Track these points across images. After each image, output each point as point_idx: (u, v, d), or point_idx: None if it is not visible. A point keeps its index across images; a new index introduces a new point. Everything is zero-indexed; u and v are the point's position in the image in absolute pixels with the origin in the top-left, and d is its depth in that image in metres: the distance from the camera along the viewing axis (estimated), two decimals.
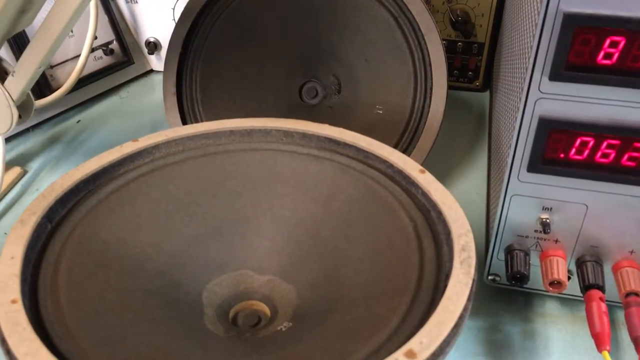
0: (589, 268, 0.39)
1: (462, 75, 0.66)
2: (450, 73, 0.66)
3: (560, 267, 0.39)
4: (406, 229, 0.32)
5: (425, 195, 0.33)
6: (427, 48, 0.48)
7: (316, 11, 0.51)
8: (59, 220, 0.32)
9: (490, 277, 0.43)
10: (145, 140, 0.37)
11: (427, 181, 0.34)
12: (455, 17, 0.62)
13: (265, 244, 0.35)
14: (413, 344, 0.25)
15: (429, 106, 0.49)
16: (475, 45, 0.64)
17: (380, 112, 0.51)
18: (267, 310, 0.34)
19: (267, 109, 0.54)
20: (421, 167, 0.35)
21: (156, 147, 0.37)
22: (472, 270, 0.28)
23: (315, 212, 0.35)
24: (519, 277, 0.39)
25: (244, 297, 0.34)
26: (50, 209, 0.32)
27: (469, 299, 0.27)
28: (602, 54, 0.32)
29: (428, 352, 0.24)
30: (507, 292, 0.43)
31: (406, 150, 0.50)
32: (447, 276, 0.28)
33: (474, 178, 0.55)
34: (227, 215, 0.36)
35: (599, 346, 0.36)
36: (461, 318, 0.26)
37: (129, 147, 0.37)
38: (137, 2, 0.66)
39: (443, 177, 0.56)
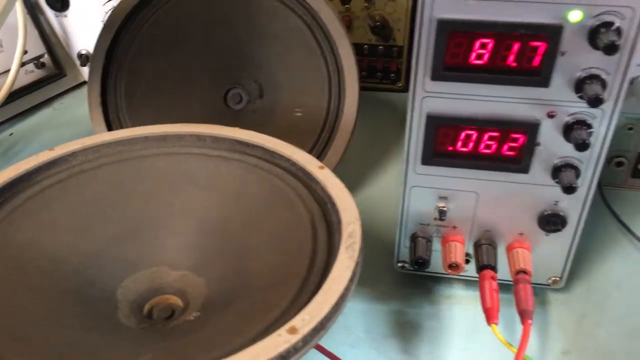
0: (484, 250, 0.43)
1: (385, 77, 0.70)
2: (373, 75, 0.69)
3: (458, 251, 0.43)
4: (304, 221, 0.35)
5: (323, 189, 0.36)
6: (338, 53, 0.51)
7: (236, 20, 0.54)
8: None
9: (399, 264, 0.46)
10: (61, 148, 0.39)
11: (325, 176, 0.37)
12: (374, 22, 0.65)
13: (179, 241, 0.38)
14: (296, 321, 0.27)
15: (343, 107, 0.52)
16: (395, 48, 0.68)
17: (300, 114, 0.54)
18: (180, 303, 0.36)
19: (194, 115, 0.56)
20: (320, 164, 0.38)
21: (72, 154, 0.39)
22: (356, 254, 0.31)
23: (225, 210, 0.38)
24: (421, 262, 0.43)
25: (159, 292, 0.36)
26: None
27: (351, 280, 0.30)
28: (474, 55, 0.36)
29: (309, 328, 0.27)
30: (416, 277, 0.47)
31: (324, 148, 0.53)
32: (334, 260, 0.31)
33: (394, 173, 0.59)
34: (142, 217, 0.38)
35: (489, 320, 0.39)
36: (342, 297, 0.29)
37: (45, 156, 0.38)
38: (66, 15, 0.68)
39: (366, 171, 0.59)
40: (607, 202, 0.51)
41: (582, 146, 0.36)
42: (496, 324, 0.39)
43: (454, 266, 0.42)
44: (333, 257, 0.32)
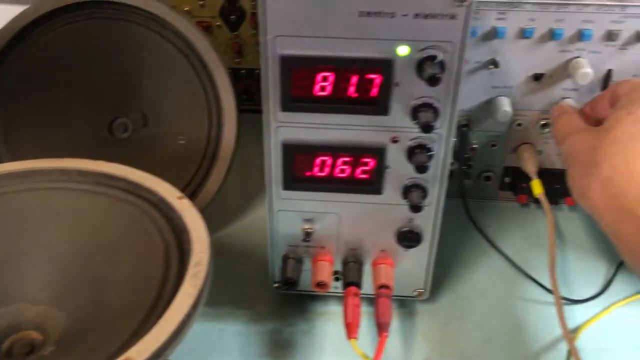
0: (349, 268, 0.45)
1: None
2: (252, 99, 0.70)
3: (325, 270, 0.45)
4: (158, 252, 0.36)
5: (180, 219, 0.37)
6: (216, 83, 0.53)
7: (117, 52, 0.55)
8: None
9: (275, 285, 0.48)
10: None
11: (183, 207, 0.38)
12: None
13: (40, 276, 0.38)
14: (132, 351, 0.29)
15: (223, 134, 0.53)
16: None
17: (183, 142, 0.55)
18: (39, 337, 0.36)
19: (79, 146, 0.57)
20: (180, 194, 0.39)
21: None
22: (200, 282, 0.32)
23: (86, 243, 0.39)
24: (290, 282, 0.45)
25: (19, 327, 0.37)
26: None
27: (193, 307, 0.31)
28: (317, 87, 0.38)
29: (144, 357, 0.28)
30: (293, 296, 0.49)
31: (206, 174, 0.54)
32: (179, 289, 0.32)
33: None
34: (4, 253, 0.39)
35: (349, 334, 0.41)
36: (181, 325, 0.30)
37: None
38: None
39: (250, 195, 0.60)
40: (472, 215, 0.54)
41: (421, 169, 0.39)
42: (356, 338, 0.41)
43: (321, 285, 0.45)
44: (180, 286, 0.33)
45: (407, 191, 0.42)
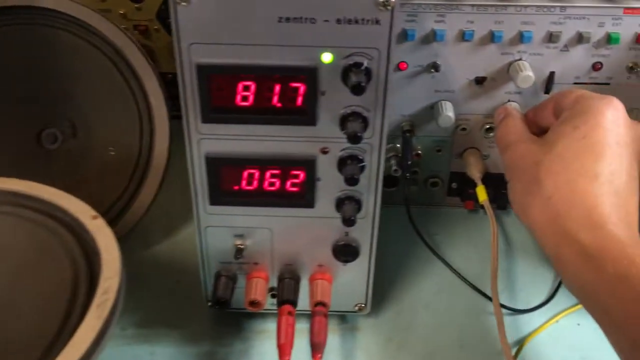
0: (285, 285, 0.43)
1: None
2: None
3: (259, 287, 0.43)
4: (66, 278, 0.33)
5: (92, 240, 0.35)
6: (146, 90, 0.50)
7: (43, 59, 0.52)
8: None
9: (209, 304, 0.45)
10: None
11: (97, 227, 0.36)
12: None
13: None
14: None
15: (155, 144, 0.51)
16: None
17: (113, 153, 0.52)
18: None
19: (3, 159, 0.53)
20: (95, 214, 0.37)
21: None
22: (106, 312, 0.30)
23: None
24: (222, 302, 0.42)
25: None
26: None
27: (95, 342, 0.29)
28: (239, 97, 0.36)
29: None
30: (230, 314, 0.46)
31: (138, 187, 0.51)
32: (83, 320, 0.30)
33: None
34: None
35: (281, 356, 0.39)
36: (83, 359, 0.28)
37: None
38: None
39: (188, 206, 0.57)
40: (415, 224, 0.53)
41: (352, 181, 0.37)
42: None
43: (255, 303, 0.42)
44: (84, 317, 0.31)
45: (340, 204, 0.40)
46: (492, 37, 0.47)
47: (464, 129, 0.53)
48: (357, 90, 0.34)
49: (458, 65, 0.49)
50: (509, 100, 0.51)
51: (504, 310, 0.47)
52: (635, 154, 0.36)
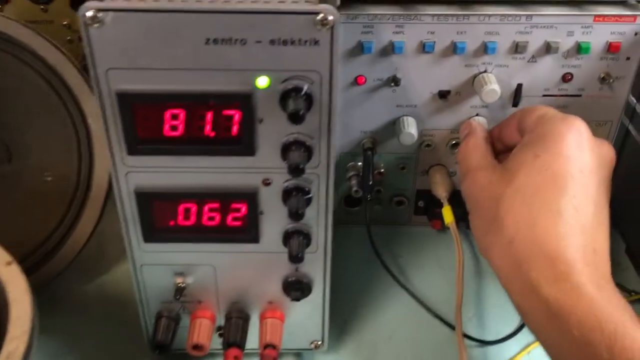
0: (231, 325, 0.39)
1: None
2: None
3: (203, 329, 0.39)
4: None
5: (2, 291, 0.31)
6: (84, 111, 0.46)
7: None
8: None
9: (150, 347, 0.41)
10: None
11: (9, 275, 0.32)
12: None
13: None
14: None
15: (94, 170, 0.47)
16: None
17: (50, 178, 0.48)
18: None
19: None
20: (9, 259, 0.33)
21: None
22: None
23: None
24: (161, 346, 0.39)
25: None
26: None
27: None
28: (167, 126, 0.32)
29: None
30: (178, 356, 0.42)
31: (78, 215, 0.48)
32: None
33: None
34: None
35: None
36: None
37: None
38: None
39: None
40: (377, 248, 0.49)
41: (296, 216, 0.34)
42: None
43: (197, 347, 0.39)
44: None
45: (288, 238, 0.36)
46: (454, 49, 0.44)
47: (428, 145, 0.49)
48: (295, 118, 0.30)
49: (420, 78, 0.46)
50: (477, 114, 0.48)
51: (471, 343, 0.44)
52: (602, 180, 0.33)
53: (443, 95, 0.47)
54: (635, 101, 0.49)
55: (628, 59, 0.45)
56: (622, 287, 0.48)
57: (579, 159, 0.32)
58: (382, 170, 0.51)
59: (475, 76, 0.46)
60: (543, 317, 0.29)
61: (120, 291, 0.48)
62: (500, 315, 0.47)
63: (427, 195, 0.52)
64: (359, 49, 0.44)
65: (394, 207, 0.53)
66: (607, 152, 0.36)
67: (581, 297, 0.28)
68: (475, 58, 0.45)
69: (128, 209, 0.35)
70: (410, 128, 0.47)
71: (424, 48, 0.44)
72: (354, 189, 0.49)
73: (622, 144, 0.51)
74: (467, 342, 0.44)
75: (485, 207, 0.34)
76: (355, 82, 0.46)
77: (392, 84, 0.46)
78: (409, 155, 0.50)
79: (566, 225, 0.30)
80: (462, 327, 0.40)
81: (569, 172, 0.31)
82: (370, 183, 0.48)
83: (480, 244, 0.34)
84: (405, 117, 0.47)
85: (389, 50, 0.44)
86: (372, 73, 0.46)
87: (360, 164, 0.50)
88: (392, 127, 0.48)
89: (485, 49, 0.44)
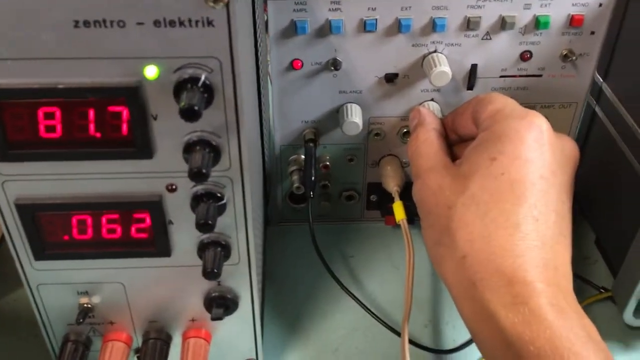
0: (149, 348, 0.35)
1: None
2: None
3: (114, 353, 0.34)
4: None
5: None
6: None
7: None
8: None
9: None
10: None
11: None
12: None
13: None
14: None
15: None
16: None
17: None
18: None
19: None
20: None
21: None
22: None
23: None
24: None
25: None
26: None
27: None
28: (42, 127, 0.27)
29: None
30: None
31: None
32: None
33: None
34: None
35: None
36: None
37: None
38: None
39: None
40: (320, 251, 0.44)
41: (203, 227, 0.29)
42: None
43: None
44: None
45: (203, 250, 0.31)
46: (399, 26, 0.39)
47: (377, 134, 0.45)
48: (189, 114, 0.25)
49: (363, 61, 0.41)
50: (432, 99, 0.43)
51: (425, 353, 0.40)
52: (564, 184, 0.29)
53: (390, 79, 0.42)
54: (601, 80, 0.45)
55: (592, 33, 0.40)
56: (590, 283, 0.44)
57: (540, 162, 0.28)
58: (328, 163, 0.46)
59: (424, 57, 0.41)
60: (498, 346, 0.25)
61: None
62: (457, 320, 0.43)
63: (380, 188, 0.47)
64: (292, 29, 0.39)
65: (344, 202, 0.48)
66: (570, 150, 0.32)
67: (540, 325, 0.24)
68: (423, 37, 0.40)
69: (11, 224, 0.30)
70: (355, 116, 0.42)
71: (365, 27, 0.39)
72: (296, 185, 0.45)
73: (588, 128, 0.47)
74: (420, 352, 0.40)
75: (435, 214, 0.29)
76: (291, 66, 0.41)
77: (332, 68, 0.41)
78: (357, 145, 0.46)
79: (525, 239, 0.26)
80: (408, 336, 0.36)
81: (528, 178, 0.27)
82: (313, 178, 0.43)
83: (431, 256, 0.30)
84: (349, 105, 0.43)
85: (326, 30, 0.39)
86: (309, 56, 0.41)
87: (303, 157, 0.45)
88: (336, 116, 0.44)
89: (433, 26, 0.39)
